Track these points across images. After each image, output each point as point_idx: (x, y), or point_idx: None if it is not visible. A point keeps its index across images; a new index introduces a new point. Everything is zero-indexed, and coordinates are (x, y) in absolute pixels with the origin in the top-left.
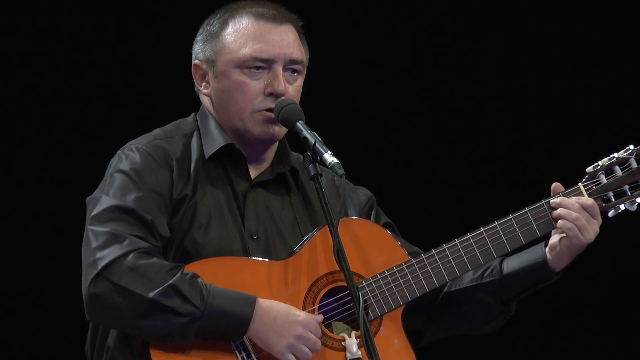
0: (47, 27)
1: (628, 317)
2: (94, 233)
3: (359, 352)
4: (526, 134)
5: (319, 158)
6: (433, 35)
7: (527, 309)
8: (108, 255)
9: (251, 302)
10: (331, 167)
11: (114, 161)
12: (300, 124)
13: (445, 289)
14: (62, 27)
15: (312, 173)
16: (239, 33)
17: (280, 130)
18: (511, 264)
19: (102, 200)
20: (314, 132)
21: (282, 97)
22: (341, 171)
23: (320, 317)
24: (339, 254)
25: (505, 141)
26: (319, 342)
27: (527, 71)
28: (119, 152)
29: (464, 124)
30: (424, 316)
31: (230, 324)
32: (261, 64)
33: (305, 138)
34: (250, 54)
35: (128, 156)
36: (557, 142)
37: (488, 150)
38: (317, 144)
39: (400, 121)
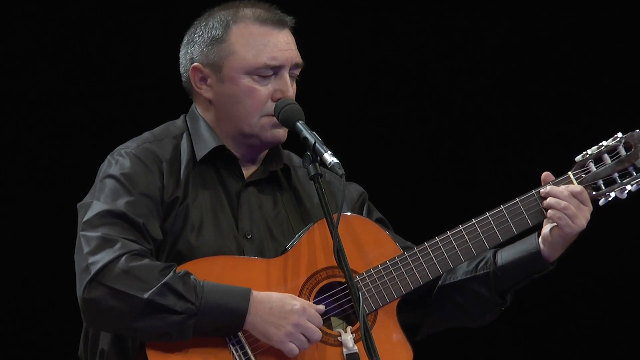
0: (37, 30)
1: (627, 317)
2: (85, 238)
3: (356, 347)
4: (516, 125)
5: (319, 158)
6: (420, 31)
7: (523, 306)
8: (101, 259)
9: (246, 294)
10: (331, 167)
11: (103, 166)
12: (300, 124)
13: (440, 282)
14: (54, 30)
15: (312, 173)
16: (247, 39)
17: (285, 133)
18: (505, 256)
19: (93, 205)
20: (314, 132)
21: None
22: (341, 171)
23: (322, 308)
24: (339, 254)
25: (495, 133)
26: (319, 332)
27: (514, 63)
28: (109, 157)
29: (454, 118)
30: (419, 310)
31: (226, 318)
32: (272, 71)
33: (305, 138)
34: (263, 62)
35: (118, 161)
36: (546, 132)
37: (478, 143)
38: (317, 144)
39: (392, 118)
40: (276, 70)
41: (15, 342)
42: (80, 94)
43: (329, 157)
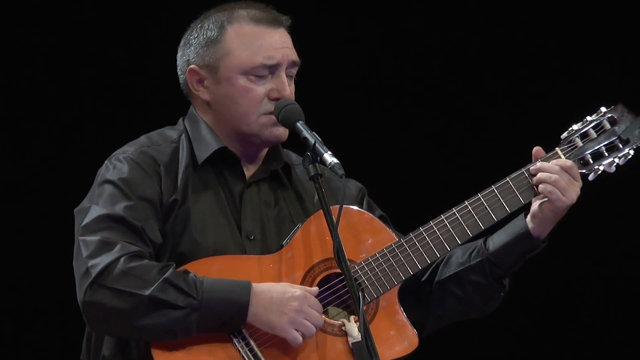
0: (33, 32)
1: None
2: (84, 243)
3: (360, 336)
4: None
5: (319, 158)
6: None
7: (525, 307)
8: (100, 262)
9: (246, 287)
10: (331, 168)
11: (101, 171)
12: (300, 124)
13: (437, 278)
14: (51, 31)
15: (312, 173)
16: (242, 39)
17: (285, 132)
18: (496, 241)
19: (92, 210)
20: (314, 132)
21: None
22: (341, 171)
23: (315, 290)
24: (339, 255)
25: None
26: (321, 318)
27: (497, 46)
28: (106, 162)
29: (447, 112)
30: (421, 308)
31: (229, 311)
32: (268, 71)
33: (306, 138)
34: (259, 61)
35: (115, 166)
36: (530, 112)
37: (472, 134)
38: (317, 144)
39: (389, 116)
40: (272, 69)
41: (17, 346)
42: (78, 97)
43: (329, 158)
